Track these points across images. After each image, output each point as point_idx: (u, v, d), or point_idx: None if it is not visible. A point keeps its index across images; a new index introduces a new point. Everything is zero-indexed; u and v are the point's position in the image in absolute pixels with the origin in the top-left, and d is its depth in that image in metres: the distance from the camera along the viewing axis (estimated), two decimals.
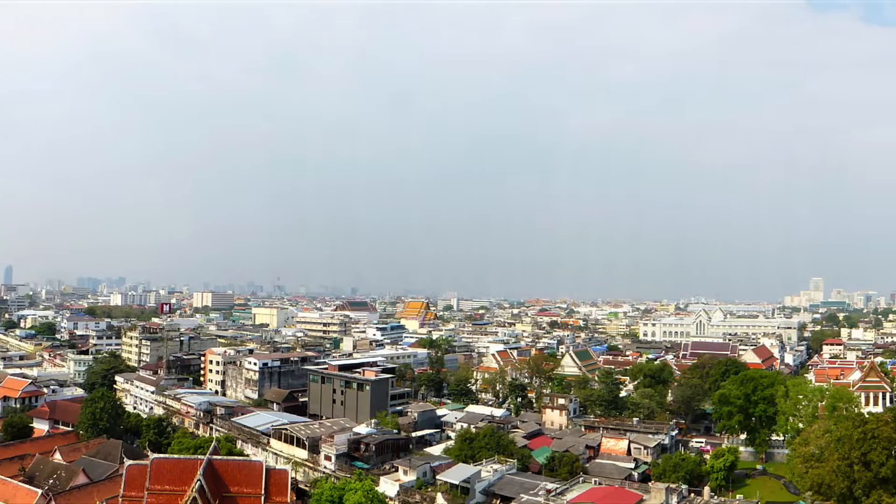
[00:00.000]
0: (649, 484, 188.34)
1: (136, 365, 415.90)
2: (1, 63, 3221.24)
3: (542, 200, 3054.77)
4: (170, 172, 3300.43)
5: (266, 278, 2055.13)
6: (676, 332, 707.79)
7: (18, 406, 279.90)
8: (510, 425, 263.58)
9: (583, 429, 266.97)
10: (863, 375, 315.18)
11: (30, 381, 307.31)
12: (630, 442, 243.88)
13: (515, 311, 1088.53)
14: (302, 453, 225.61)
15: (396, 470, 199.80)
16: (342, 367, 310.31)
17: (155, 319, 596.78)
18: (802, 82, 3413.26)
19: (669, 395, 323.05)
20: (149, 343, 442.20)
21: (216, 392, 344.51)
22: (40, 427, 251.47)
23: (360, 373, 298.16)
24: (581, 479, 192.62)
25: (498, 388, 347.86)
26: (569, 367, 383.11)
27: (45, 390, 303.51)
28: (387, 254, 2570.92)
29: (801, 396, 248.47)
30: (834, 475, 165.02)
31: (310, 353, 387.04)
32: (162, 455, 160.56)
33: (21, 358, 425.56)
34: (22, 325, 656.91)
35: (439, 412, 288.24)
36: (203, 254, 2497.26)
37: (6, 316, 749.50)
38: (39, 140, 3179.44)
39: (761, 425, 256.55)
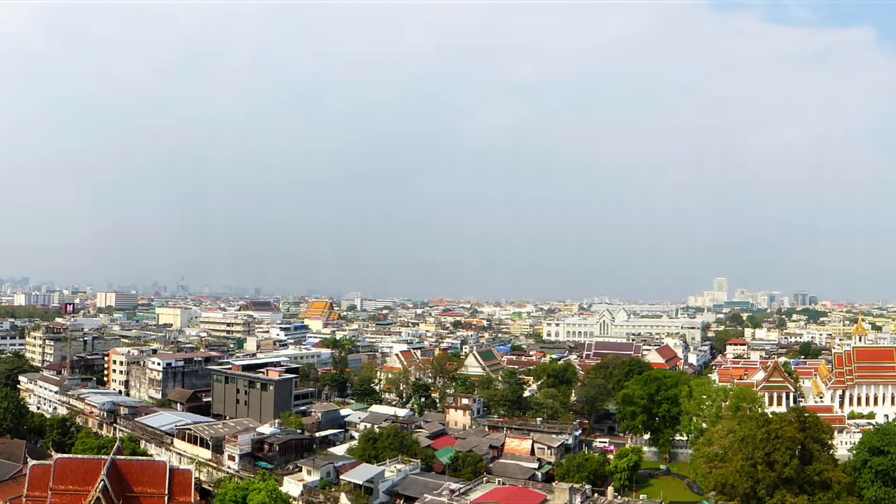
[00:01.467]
0: (553, 484, 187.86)
1: (39, 365, 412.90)
2: None
3: (446, 200, 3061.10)
4: (72, 172, 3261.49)
5: (170, 278, 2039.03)
6: (580, 332, 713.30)
7: None
8: (414, 425, 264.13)
9: (486, 429, 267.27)
10: (766, 375, 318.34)
11: None
12: (534, 442, 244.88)
13: (419, 311, 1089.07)
14: (206, 453, 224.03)
15: (300, 470, 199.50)
16: (246, 367, 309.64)
17: (59, 319, 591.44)
18: (706, 82, 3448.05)
19: (573, 395, 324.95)
20: (52, 343, 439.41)
21: (120, 392, 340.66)
22: None
23: (263, 373, 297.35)
24: (485, 479, 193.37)
25: (402, 388, 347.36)
26: (472, 367, 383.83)
27: None
28: (291, 254, 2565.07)
29: (704, 396, 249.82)
30: (737, 475, 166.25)
31: (213, 354, 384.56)
32: (66, 455, 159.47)
33: None
34: None
35: (343, 412, 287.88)
36: (107, 254, 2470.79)
37: None
38: None
39: (665, 425, 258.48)
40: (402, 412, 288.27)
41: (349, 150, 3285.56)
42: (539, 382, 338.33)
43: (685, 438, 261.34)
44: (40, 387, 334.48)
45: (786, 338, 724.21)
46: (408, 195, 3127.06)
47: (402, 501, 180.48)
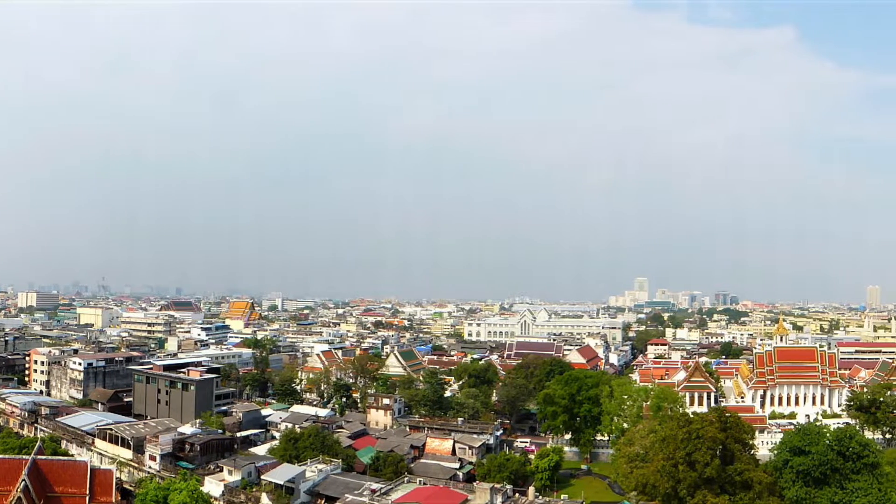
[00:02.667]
0: (474, 484, 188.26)
1: None
2: None
3: (369, 200, 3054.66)
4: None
5: (91, 278, 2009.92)
6: (501, 332, 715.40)
7: None
8: (335, 425, 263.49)
9: (407, 429, 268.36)
10: (687, 375, 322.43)
11: None
12: (455, 442, 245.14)
13: (340, 311, 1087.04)
14: (127, 453, 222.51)
15: (221, 470, 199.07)
16: (167, 367, 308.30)
17: None
18: (629, 82, 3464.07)
19: (494, 395, 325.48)
20: None
21: (41, 392, 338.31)
22: None
23: (184, 373, 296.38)
24: (406, 479, 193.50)
25: (323, 388, 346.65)
26: (393, 367, 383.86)
27: None
28: (213, 254, 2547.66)
29: (625, 396, 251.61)
30: (659, 475, 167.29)
31: (135, 353, 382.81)
32: None
33: None
34: None
35: (264, 412, 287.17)
36: (28, 254, 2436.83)
37: None
38: None
39: (586, 425, 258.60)
40: (323, 412, 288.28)
41: (271, 150, 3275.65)
42: (460, 382, 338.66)
43: (606, 438, 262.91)
44: None
45: (707, 338, 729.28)
46: (330, 195, 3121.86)
47: (323, 501, 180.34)
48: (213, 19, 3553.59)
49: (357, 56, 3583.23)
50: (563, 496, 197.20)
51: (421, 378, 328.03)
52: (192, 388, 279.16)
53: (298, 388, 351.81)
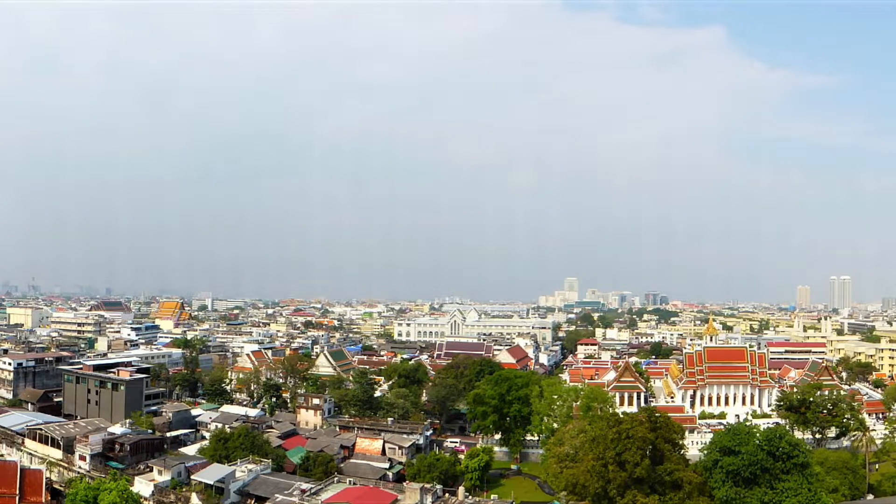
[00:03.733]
0: (404, 484, 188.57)
1: None
2: None
3: (298, 200, 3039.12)
4: None
5: (21, 278, 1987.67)
6: (431, 332, 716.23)
7: None
8: (265, 425, 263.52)
9: (337, 429, 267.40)
10: (617, 375, 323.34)
11: None
12: (385, 442, 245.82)
13: (270, 311, 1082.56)
14: (57, 453, 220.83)
15: (151, 470, 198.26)
16: (97, 367, 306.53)
17: None
18: (558, 82, 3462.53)
19: (424, 395, 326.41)
20: None
21: None
22: None
23: (114, 373, 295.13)
24: (336, 479, 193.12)
25: (253, 388, 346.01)
26: (323, 367, 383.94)
27: None
28: (142, 253, 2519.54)
29: (555, 396, 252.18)
30: (588, 475, 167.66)
31: (64, 353, 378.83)
32: None
33: None
34: None
35: (194, 412, 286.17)
36: None
37: None
38: None
39: (516, 425, 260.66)
40: (253, 412, 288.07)
41: (201, 149, 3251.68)
42: (390, 382, 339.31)
43: (536, 438, 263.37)
44: None
45: (637, 338, 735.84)
46: (260, 195, 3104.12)
47: (252, 501, 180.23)
48: (139, 19, 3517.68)
49: (284, 56, 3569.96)
50: (492, 496, 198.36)
51: (351, 378, 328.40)
52: (122, 388, 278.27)
53: (228, 388, 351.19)
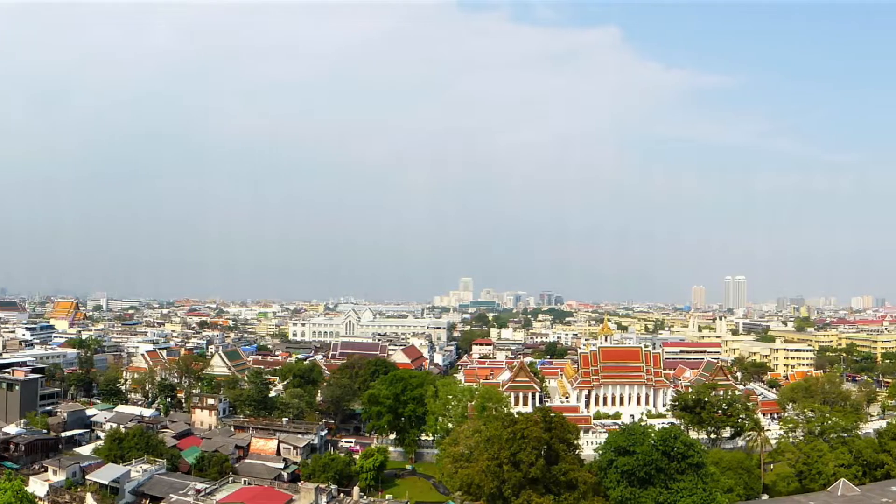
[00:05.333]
0: (299, 484, 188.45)
1: None
2: None
3: (194, 200, 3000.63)
4: None
5: None
6: (326, 332, 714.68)
7: None
8: (160, 425, 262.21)
9: (232, 429, 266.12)
10: (512, 375, 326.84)
11: None
12: (279, 442, 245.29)
13: (165, 311, 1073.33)
14: None
15: (46, 470, 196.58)
16: None
17: None
18: (454, 82, 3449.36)
19: (319, 395, 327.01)
20: None
21: None
22: None
23: (9, 373, 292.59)
24: (231, 478, 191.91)
25: (147, 388, 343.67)
26: (218, 367, 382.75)
27: None
28: (37, 254, 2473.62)
29: (450, 396, 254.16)
30: (483, 475, 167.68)
31: None
32: None
33: None
34: None
35: (89, 412, 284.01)
36: None
37: None
38: None
39: (411, 425, 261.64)
40: (147, 412, 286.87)
41: (97, 149, 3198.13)
42: (285, 382, 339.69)
43: (431, 438, 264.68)
44: None
45: (532, 338, 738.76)
46: (156, 195, 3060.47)
47: (147, 501, 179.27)
48: (30, 19, 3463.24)
49: (183, 56, 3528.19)
50: (387, 496, 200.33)
51: (246, 378, 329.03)
52: (17, 388, 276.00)
53: (123, 388, 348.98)
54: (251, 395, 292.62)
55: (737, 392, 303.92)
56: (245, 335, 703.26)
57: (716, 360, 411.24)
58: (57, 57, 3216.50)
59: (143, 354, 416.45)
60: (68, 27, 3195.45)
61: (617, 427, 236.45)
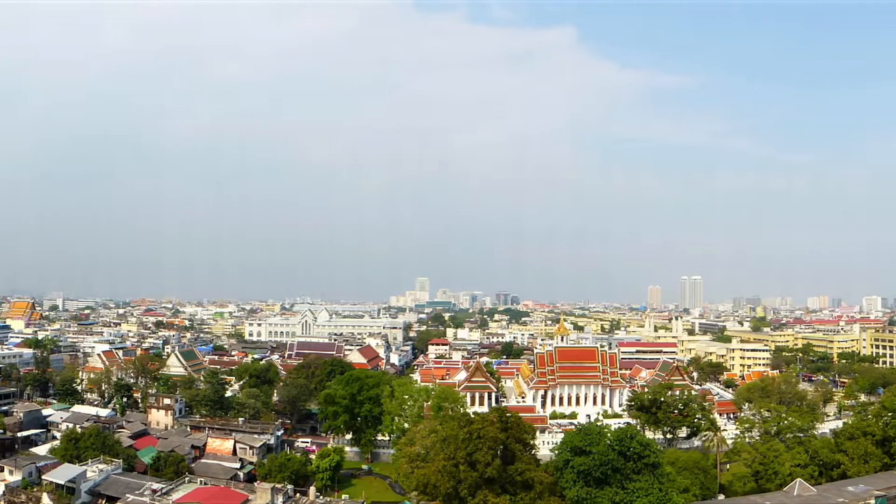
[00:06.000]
0: (255, 484, 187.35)
1: None
2: None
3: (148, 200, 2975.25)
4: None
5: None
6: (282, 332, 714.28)
7: None
8: (116, 425, 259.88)
9: (188, 429, 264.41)
10: (468, 375, 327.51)
11: None
12: (236, 442, 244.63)
13: (121, 311, 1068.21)
14: None
15: (2, 470, 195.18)
16: None
17: None
18: (411, 82, 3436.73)
19: (275, 395, 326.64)
20: None
21: None
22: None
23: None
24: (187, 478, 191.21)
25: (104, 388, 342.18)
26: (174, 367, 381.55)
27: None
28: None
29: (406, 396, 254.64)
30: (439, 475, 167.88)
31: None
32: None
33: None
34: None
35: (45, 412, 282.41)
36: None
37: None
38: None
39: (367, 425, 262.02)
40: (104, 412, 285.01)
41: (51, 149, 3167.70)
42: (241, 382, 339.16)
43: (387, 438, 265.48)
44: None
45: (488, 338, 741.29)
46: (112, 195, 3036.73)
47: (104, 501, 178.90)
48: None
49: (135, 56, 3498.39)
50: (343, 496, 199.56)
51: (202, 378, 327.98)
52: None
53: (79, 388, 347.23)
54: (207, 395, 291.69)
55: (693, 392, 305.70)
56: (201, 335, 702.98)
57: (672, 361, 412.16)
58: (8, 56, 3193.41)
59: (99, 354, 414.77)
60: (18, 27, 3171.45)
61: (573, 427, 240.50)
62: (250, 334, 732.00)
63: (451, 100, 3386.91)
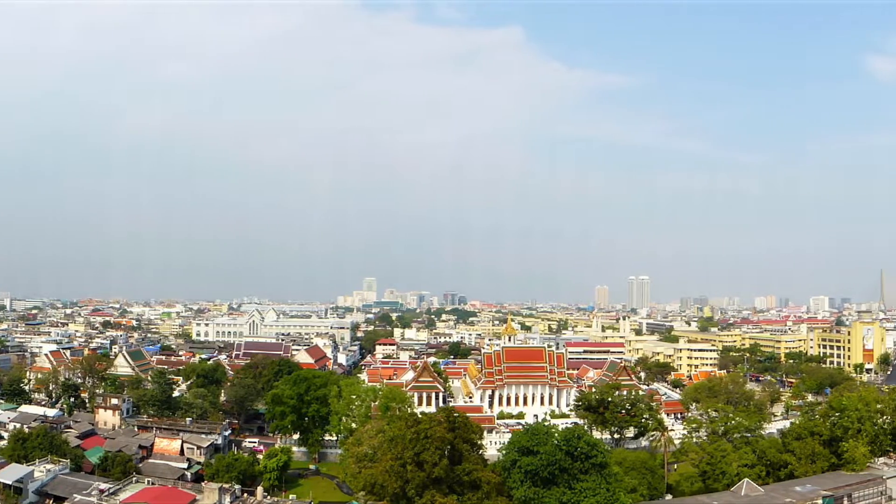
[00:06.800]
0: (202, 484, 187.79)
1: None
2: None
3: (98, 200, 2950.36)
4: None
5: None
6: (230, 332, 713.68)
7: None
8: (63, 425, 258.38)
9: (136, 429, 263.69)
10: (416, 375, 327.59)
11: None
12: (183, 442, 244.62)
13: (69, 311, 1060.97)
14: None
15: None
16: None
17: None
18: (356, 82, 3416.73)
19: (223, 395, 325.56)
20: None
21: None
22: None
23: None
24: (134, 479, 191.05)
25: (51, 388, 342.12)
26: (122, 367, 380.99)
27: None
28: None
29: (354, 396, 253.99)
30: (387, 475, 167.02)
31: None
32: None
33: None
34: None
35: None
36: None
37: None
38: None
39: (314, 425, 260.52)
40: (51, 412, 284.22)
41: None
42: (189, 382, 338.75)
43: (335, 438, 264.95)
44: None
45: (435, 338, 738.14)
46: (60, 195, 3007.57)
47: (51, 501, 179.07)
48: None
49: (85, 55, 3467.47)
50: (291, 496, 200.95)
51: (149, 378, 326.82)
52: None
53: (27, 388, 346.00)
54: (155, 395, 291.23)
55: (640, 392, 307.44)
56: (149, 335, 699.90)
57: (619, 360, 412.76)
58: None
59: (46, 354, 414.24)
60: None
61: (520, 427, 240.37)
62: (198, 334, 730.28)
63: (398, 100, 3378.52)
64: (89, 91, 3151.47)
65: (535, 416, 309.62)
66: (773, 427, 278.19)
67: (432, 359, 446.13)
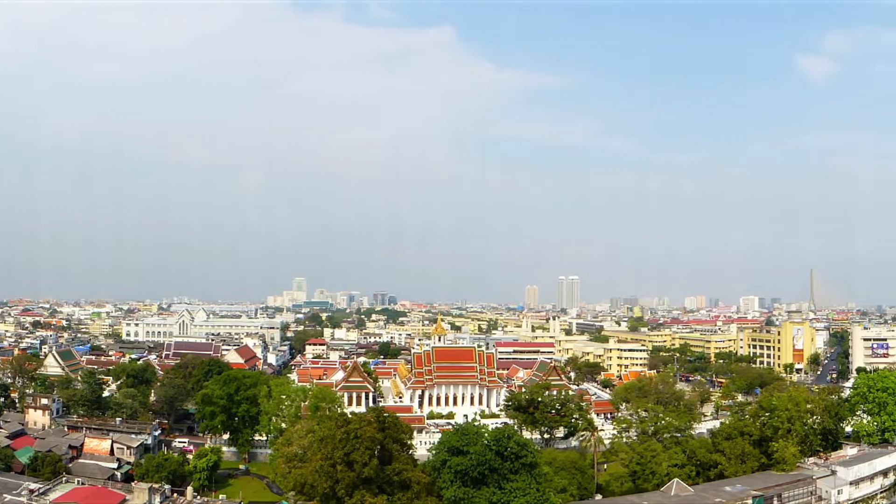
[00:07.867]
0: (132, 484, 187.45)
1: None
2: None
3: (22, 201, 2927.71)
4: None
5: None
6: (160, 332, 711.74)
7: None
8: None
9: (66, 429, 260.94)
10: (346, 375, 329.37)
11: None
12: (113, 442, 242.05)
13: None
14: None
15: None
16: None
17: None
18: (287, 82, 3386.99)
19: (153, 395, 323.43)
20: None
21: None
22: None
23: None
24: (64, 479, 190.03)
25: None
26: (52, 367, 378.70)
27: None
28: None
29: (284, 396, 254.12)
30: (317, 475, 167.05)
31: None
32: None
33: None
34: None
35: None
36: None
37: None
38: None
39: (244, 425, 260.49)
40: None
41: None
42: (118, 382, 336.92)
43: (265, 438, 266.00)
44: None
45: (365, 338, 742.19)
46: None
47: None
48: None
49: (12, 55, 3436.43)
50: (221, 496, 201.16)
51: (79, 378, 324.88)
52: None
53: None
54: (85, 395, 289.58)
55: (570, 392, 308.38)
56: (79, 335, 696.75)
57: (549, 360, 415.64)
58: None
59: None
60: None
61: (450, 427, 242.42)
62: (128, 334, 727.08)
63: (327, 100, 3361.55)
64: (17, 91, 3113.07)
65: (465, 416, 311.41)
66: (704, 427, 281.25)
67: (362, 359, 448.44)
